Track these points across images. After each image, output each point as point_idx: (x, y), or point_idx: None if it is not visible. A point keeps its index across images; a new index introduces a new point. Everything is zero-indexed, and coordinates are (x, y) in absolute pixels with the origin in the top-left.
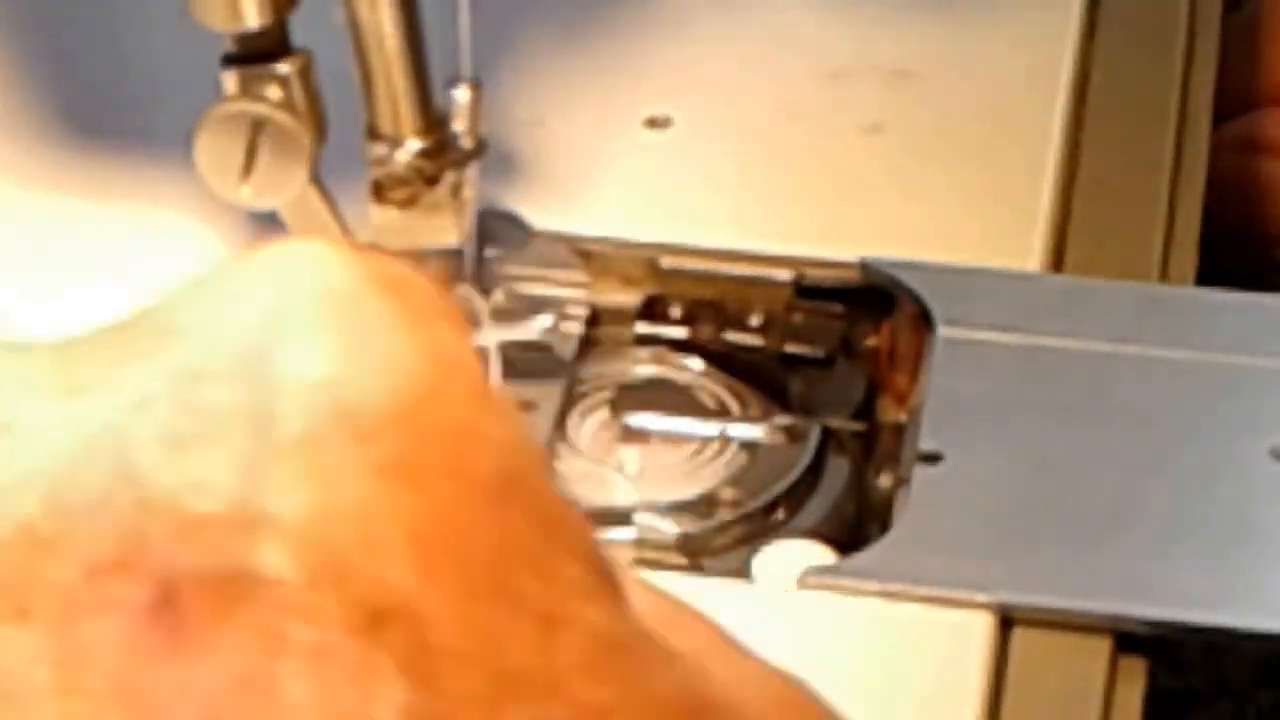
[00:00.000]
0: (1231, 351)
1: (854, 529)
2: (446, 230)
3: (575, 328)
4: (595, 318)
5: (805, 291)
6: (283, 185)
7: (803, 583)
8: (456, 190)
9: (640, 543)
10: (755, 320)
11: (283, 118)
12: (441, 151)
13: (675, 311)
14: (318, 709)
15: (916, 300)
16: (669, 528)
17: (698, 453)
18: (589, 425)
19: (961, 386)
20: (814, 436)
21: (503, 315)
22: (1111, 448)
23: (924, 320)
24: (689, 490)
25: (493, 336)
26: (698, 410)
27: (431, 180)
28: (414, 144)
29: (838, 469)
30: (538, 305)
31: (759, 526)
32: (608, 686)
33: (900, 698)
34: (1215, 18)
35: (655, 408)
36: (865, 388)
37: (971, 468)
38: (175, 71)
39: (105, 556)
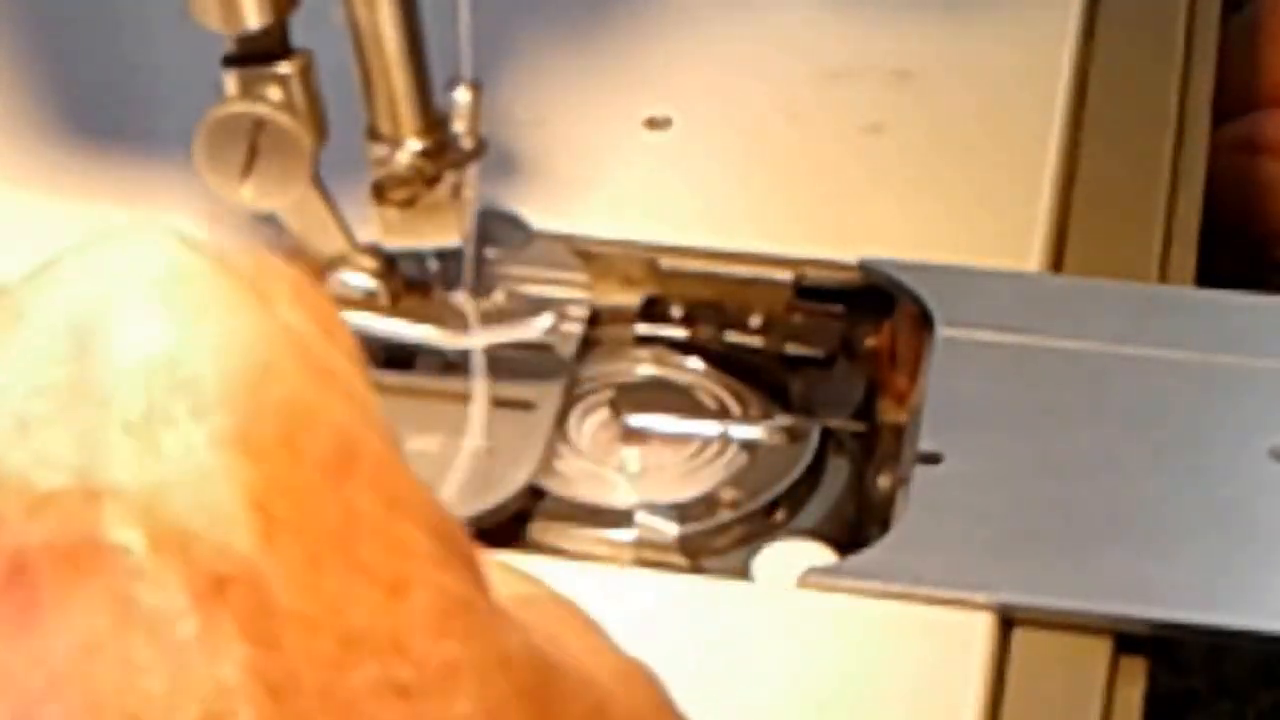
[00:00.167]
0: (1231, 352)
1: (854, 529)
2: (447, 230)
3: (575, 328)
4: (595, 318)
5: (805, 292)
6: (283, 186)
7: (803, 583)
8: (457, 191)
9: (640, 543)
10: (755, 321)
11: (283, 118)
12: (442, 152)
13: (675, 312)
14: (165, 672)
15: (916, 301)
16: (669, 528)
17: (698, 453)
18: (589, 425)
19: (961, 387)
20: (814, 437)
21: (503, 315)
22: (1111, 448)
23: (924, 321)
24: (689, 490)
25: (494, 337)
26: (698, 411)
27: (432, 181)
28: (414, 144)
29: (838, 469)
30: (538, 305)
31: (759, 527)
32: (455, 643)
33: (900, 698)
34: (1214, 19)
35: (655, 408)
36: (865, 388)
37: (971, 468)
38: (176, 72)
39: None
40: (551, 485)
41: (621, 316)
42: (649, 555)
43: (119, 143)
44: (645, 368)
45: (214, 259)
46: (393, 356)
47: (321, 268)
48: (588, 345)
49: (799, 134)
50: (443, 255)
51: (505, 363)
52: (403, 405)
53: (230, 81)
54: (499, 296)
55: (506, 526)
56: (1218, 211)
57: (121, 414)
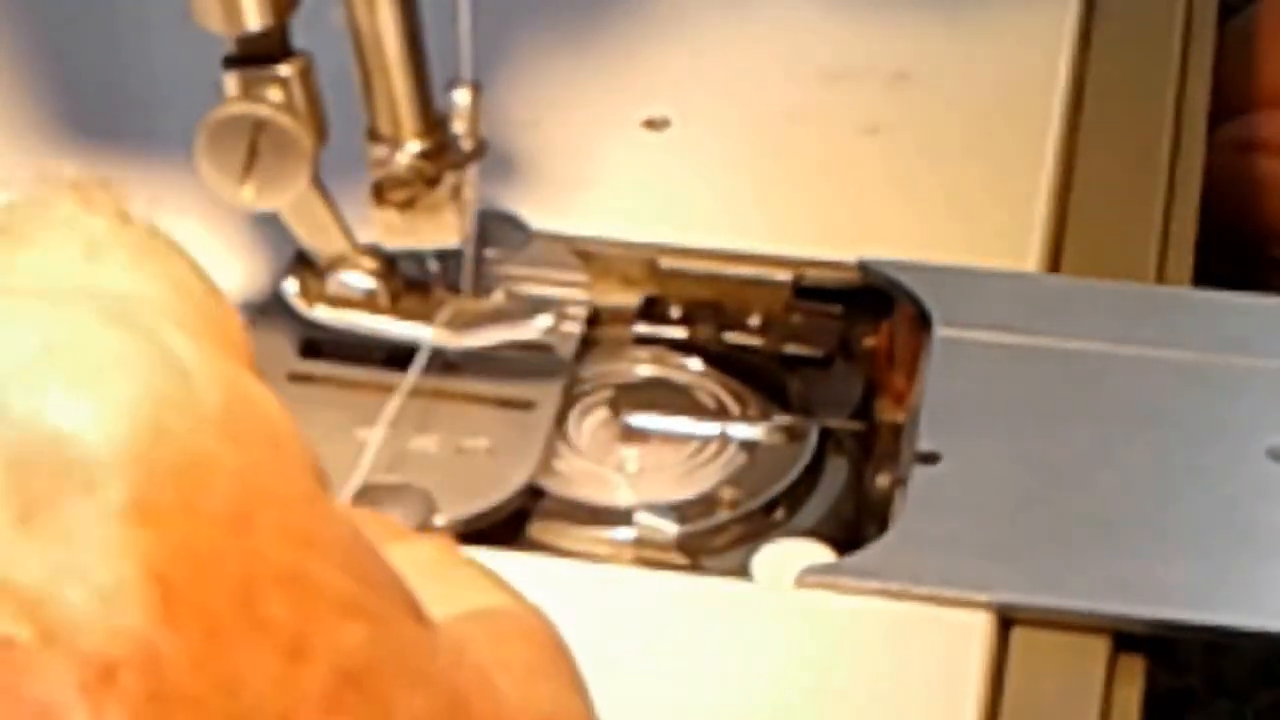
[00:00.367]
0: (1228, 352)
1: (853, 528)
2: (447, 231)
3: (575, 328)
4: (595, 318)
5: (804, 292)
6: (284, 186)
7: (802, 582)
8: (457, 191)
9: (640, 542)
10: (754, 321)
11: (284, 120)
12: (441, 153)
13: (675, 312)
14: None
15: (914, 301)
16: (669, 527)
17: (697, 453)
18: (589, 425)
19: (959, 387)
20: (813, 436)
21: (502, 315)
22: (1109, 447)
23: (922, 321)
24: (688, 490)
25: (494, 337)
26: (697, 410)
27: (432, 181)
28: (414, 146)
29: (836, 469)
30: (538, 305)
31: (758, 526)
32: (346, 718)
33: (899, 696)
34: (1210, 21)
35: (655, 408)
36: (863, 388)
37: (969, 467)
38: (177, 73)
39: None
40: (551, 485)
41: (621, 316)
42: (648, 554)
43: (120, 143)
44: (644, 368)
45: (97, 321)
46: (393, 356)
47: (323, 268)
48: (587, 345)
49: (798, 135)
50: (442, 256)
51: (505, 363)
52: (403, 405)
53: (231, 83)
54: (499, 296)
55: (506, 526)
56: (1215, 212)
57: (15, 506)
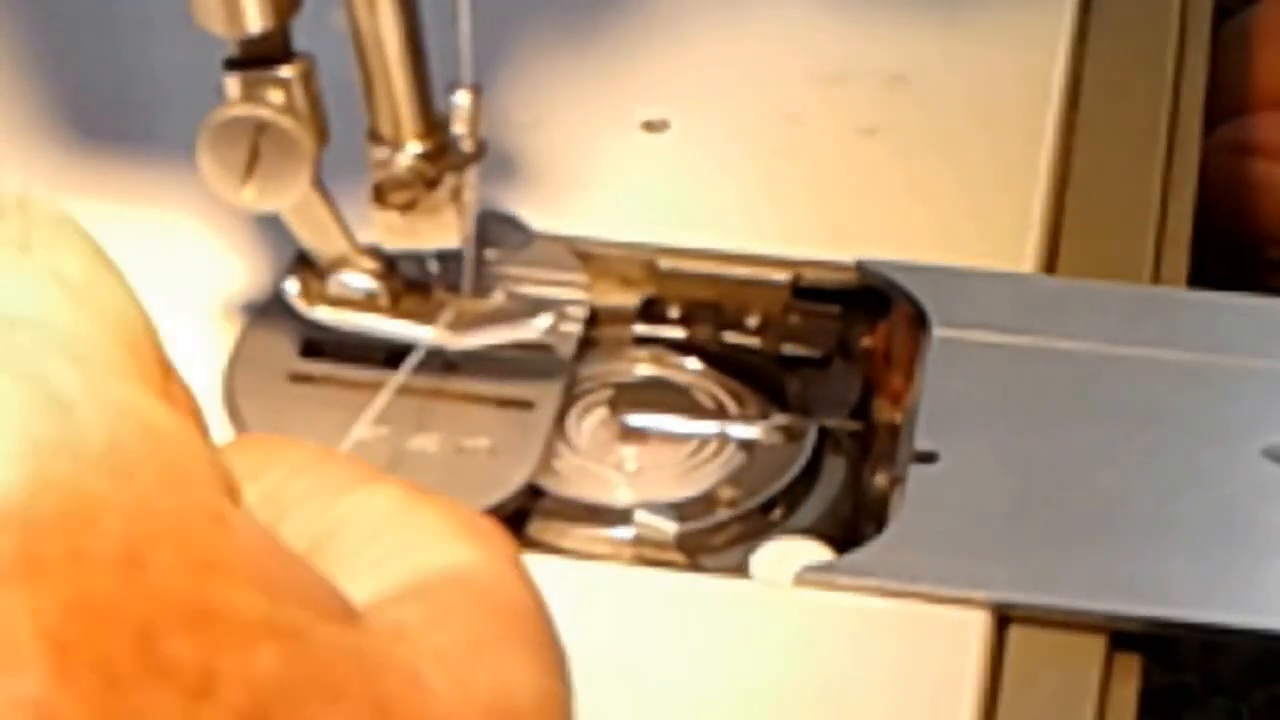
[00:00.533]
0: (1224, 352)
1: (851, 527)
2: (447, 232)
3: (574, 328)
4: (594, 318)
5: (802, 293)
6: (285, 188)
7: (800, 580)
8: (457, 193)
9: (639, 541)
10: (753, 321)
11: (285, 121)
12: (442, 155)
13: (673, 312)
14: None
15: (912, 301)
16: (668, 526)
17: (696, 452)
18: (588, 425)
19: (956, 386)
20: (811, 436)
21: (502, 315)
22: (1105, 447)
23: (919, 321)
24: (687, 489)
25: (494, 337)
26: (696, 410)
27: (432, 183)
28: (415, 147)
29: (834, 468)
30: (538, 305)
31: (757, 525)
32: None
33: (896, 695)
34: (1206, 23)
35: (654, 408)
36: (861, 388)
37: (966, 467)
38: (178, 75)
39: None
40: (550, 484)
41: (620, 317)
42: (647, 553)
43: (121, 145)
44: (644, 368)
45: None
46: (393, 357)
47: (324, 269)
48: (586, 345)
49: (796, 136)
50: (443, 257)
51: (505, 363)
52: (403, 405)
53: (232, 85)
54: (499, 297)
55: (506, 525)
56: (1210, 214)
57: None
